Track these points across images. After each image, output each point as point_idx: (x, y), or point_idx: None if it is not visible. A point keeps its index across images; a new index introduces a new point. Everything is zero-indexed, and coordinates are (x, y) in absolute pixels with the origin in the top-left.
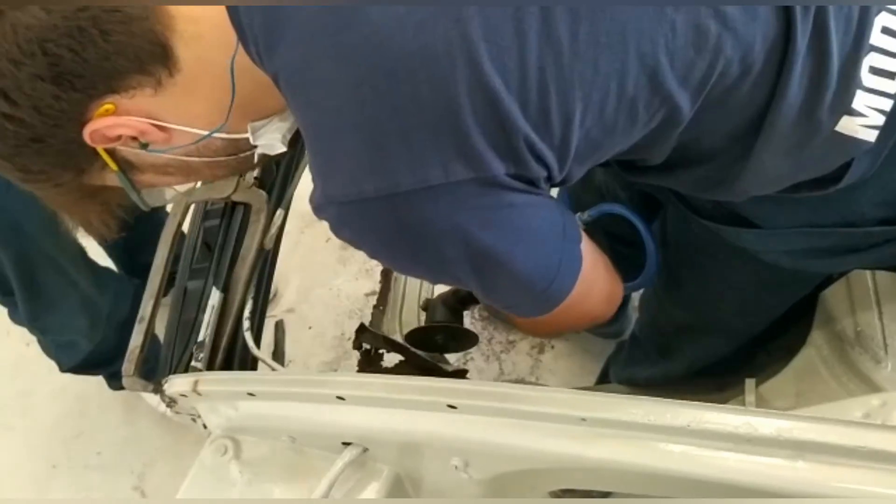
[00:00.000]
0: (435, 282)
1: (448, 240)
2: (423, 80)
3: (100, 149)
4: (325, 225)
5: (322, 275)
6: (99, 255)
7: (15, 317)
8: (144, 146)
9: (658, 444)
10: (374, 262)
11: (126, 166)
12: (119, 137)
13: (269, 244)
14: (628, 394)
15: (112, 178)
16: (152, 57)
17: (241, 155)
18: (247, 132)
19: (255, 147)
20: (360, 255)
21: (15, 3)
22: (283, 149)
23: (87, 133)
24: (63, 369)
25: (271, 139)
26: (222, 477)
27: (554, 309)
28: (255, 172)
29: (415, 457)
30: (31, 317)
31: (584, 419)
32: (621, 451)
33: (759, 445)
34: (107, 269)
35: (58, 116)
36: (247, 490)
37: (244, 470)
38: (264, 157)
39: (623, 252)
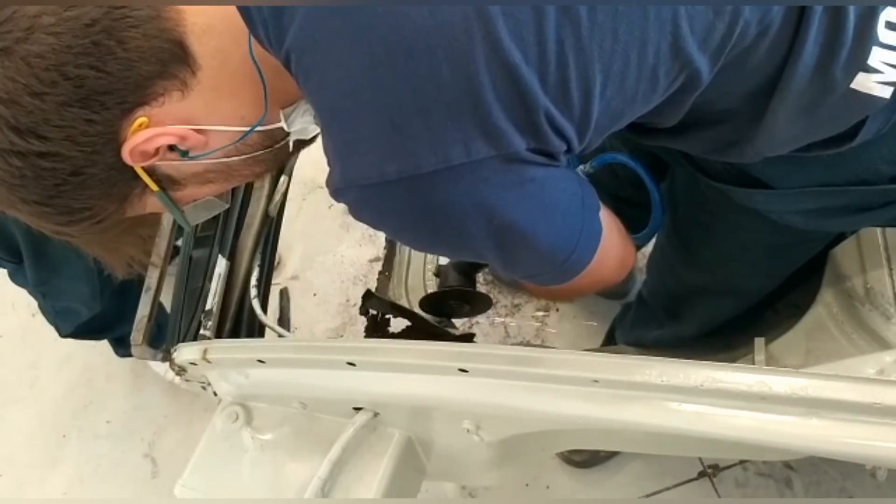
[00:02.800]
0: (454, 258)
1: (471, 218)
2: (442, 57)
3: (139, 168)
4: (327, 192)
5: (325, 241)
6: None
7: (17, 279)
8: (184, 154)
9: (671, 405)
10: None
11: (167, 183)
12: (157, 151)
13: (273, 212)
14: (636, 355)
15: (153, 202)
16: (172, 57)
17: (277, 146)
18: (279, 121)
19: (289, 134)
20: None
21: (14, 1)
22: (318, 130)
23: (125, 152)
24: (62, 334)
25: (304, 122)
26: (234, 444)
27: (574, 277)
28: None
29: (426, 420)
30: (37, 281)
31: (596, 381)
32: (635, 412)
33: (773, 403)
34: None
35: (93, 142)
36: (259, 456)
37: (256, 436)
38: (300, 144)
39: (628, 213)
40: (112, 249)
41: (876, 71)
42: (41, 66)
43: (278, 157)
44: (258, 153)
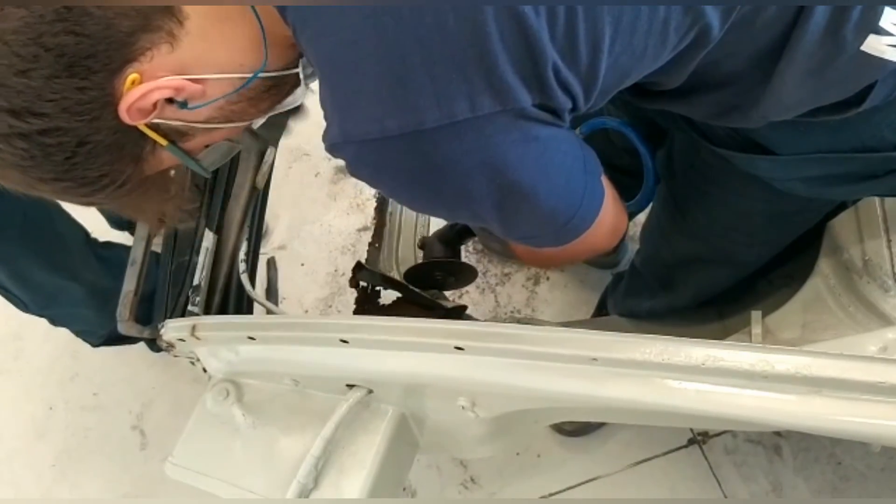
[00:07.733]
0: (451, 219)
1: (472, 177)
2: (448, 6)
3: (142, 126)
4: (314, 159)
5: (312, 210)
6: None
7: (20, 308)
8: (183, 105)
9: (671, 383)
10: (366, 197)
11: (175, 136)
12: (155, 106)
13: (260, 183)
14: (629, 326)
15: (167, 156)
16: (153, 8)
17: (284, 88)
18: (280, 63)
19: (298, 75)
20: (351, 190)
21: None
22: None
23: (123, 111)
24: (94, 346)
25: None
26: (226, 421)
27: (573, 241)
28: None
29: (420, 397)
30: (39, 307)
31: (595, 359)
32: (634, 391)
33: (775, 382)
34: (117, 250)
35: (90, 109)
36: (251, 433)
37: (247, 413)
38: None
39: (623, 181)
40: (142, 209)
41: (887, 33)
42: (19, 42)
43: (282, 94)
44: (261, 94)
